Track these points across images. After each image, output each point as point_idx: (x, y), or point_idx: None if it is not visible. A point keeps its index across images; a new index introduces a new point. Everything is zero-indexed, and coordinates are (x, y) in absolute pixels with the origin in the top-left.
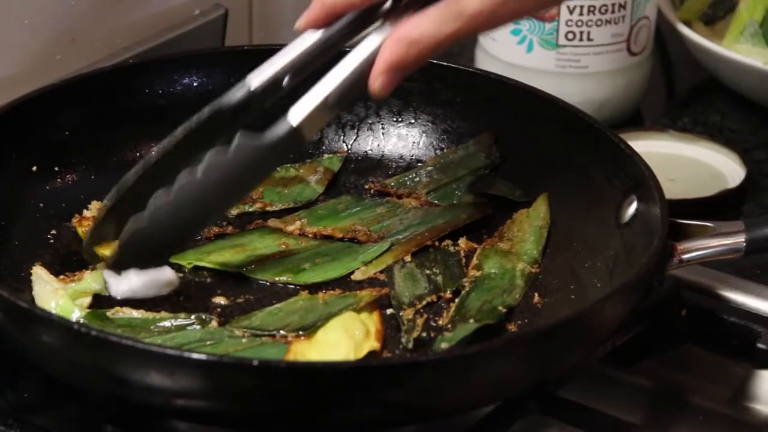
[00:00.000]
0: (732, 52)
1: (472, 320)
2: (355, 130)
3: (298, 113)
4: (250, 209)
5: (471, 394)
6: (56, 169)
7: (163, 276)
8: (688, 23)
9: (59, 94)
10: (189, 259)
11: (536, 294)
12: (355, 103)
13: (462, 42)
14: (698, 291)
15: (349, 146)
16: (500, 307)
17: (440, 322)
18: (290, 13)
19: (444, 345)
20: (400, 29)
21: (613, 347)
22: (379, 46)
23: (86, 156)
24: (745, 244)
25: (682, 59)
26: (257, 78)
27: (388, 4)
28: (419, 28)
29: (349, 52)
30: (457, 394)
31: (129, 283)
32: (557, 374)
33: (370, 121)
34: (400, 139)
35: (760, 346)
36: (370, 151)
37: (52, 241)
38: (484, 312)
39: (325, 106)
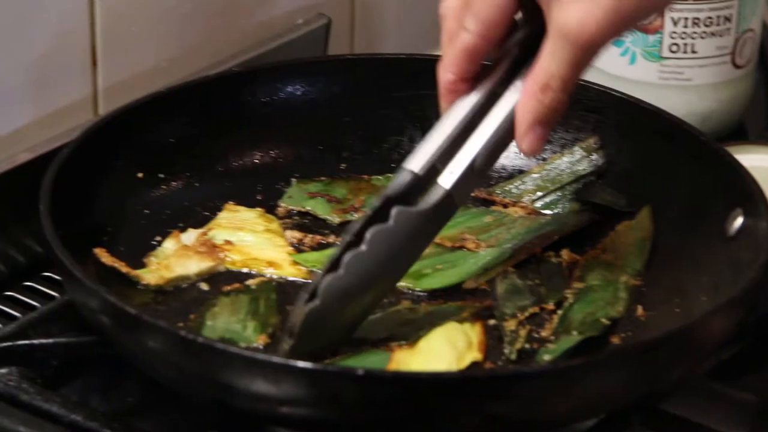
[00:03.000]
0: None
1: (575, 332)
2: None
3: (448, 178)
4: (352, 218)
5: (574, 407)
6: (161, 176)
7: None
8: None
9: (165, 101)
10: (313, 262)
11: (640, 307)
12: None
13: None
14: None
15: None
16: (603, 320)
17: (543, 334)
18: (392, 21)
19: (547, 357)
20: (527, 83)
21: (718, 362)
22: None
23: (191, 163)
24: None
25: None
26: (417, 161)
27: (515, 52)
28: (542, 72)
29: (489, 110)
30: (561, 407)
31: None
32: (661, 388)
33: None
34: None
35: None
36: None
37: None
38: (588, 324)
39: (473, 168)
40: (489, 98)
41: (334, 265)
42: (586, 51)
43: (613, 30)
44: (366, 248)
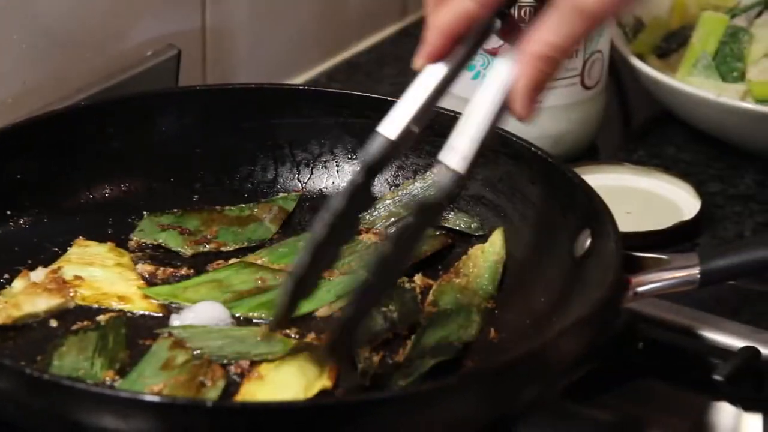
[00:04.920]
0: (685, 85)
1: (428, 357)
2: (310, 168)
3: (460, 161)
4: (205, 249)
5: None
6: (8, 213)
7: (218, 313)
8: (641, 57)
9: (10, 137)
10: (164, 296)
11: (493, 329)
12: None
13: None
14: (654, 323)
15: (304, 184)
16: (456, 343)
17: (397, 359)
18: (244, 52)
19: (401, 382)
20: (526, 48)
21: (571, 381)
22: (510, 70)
23: (39, 199)
24: (699, 276)
25: (637, 92)
26: (392, 127)
27: (498, 24)
28: (543, 40)
29: (480, 85)
30: None
31: (191, 318)
32: (515, 409)
33: (324, 159)
34: None
35: (717, 377)
36: (325, 189)
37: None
38: (441, 348)
39: (481, 147)
40: (462, 62)
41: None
42: (596, 23)
43: (624, 3)
44: (390, 246)
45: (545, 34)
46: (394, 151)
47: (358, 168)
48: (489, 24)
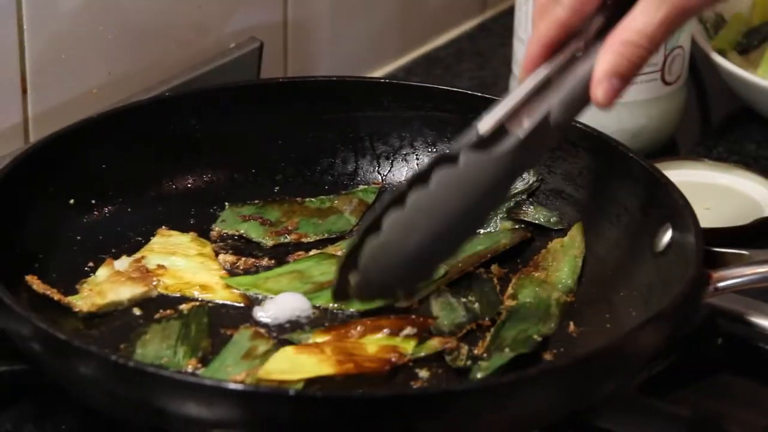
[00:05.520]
0: (766, 81)
1: (507, 349)
2: (390, 161)
3: (522, 127)
4: (286, 240)
5: (507, 424)
6: (93, 202)
7: (300, 304)
8: (722, 52)
9: (96, 127)
10: (246, 286)
11: (572, 323)
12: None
13: (498, 71)
14: (734, 319)
15: (384, 177)
16: (536, 336)
17: (476, 351)
18: (325, 44)
19: (480, 374)
20: (610, 37)
21: (649, 376)
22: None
23: (123, 189)
24: None
25: (717, 88)
26: (485, 122)
27: (598, 24)
28: (627, 27)
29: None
30: (493, 424)
31: (273, 309)
32: (593, 403)
33: (404, 152)
34: None
35: None
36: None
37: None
38: (520, 341)
39: (548, 120)
40: (566, 64)
41: (398, 201)
42: (681, 12)
43: None
44: (432, 188)
45: (630, 21)
46: (482, 144)
47: (437, 155)
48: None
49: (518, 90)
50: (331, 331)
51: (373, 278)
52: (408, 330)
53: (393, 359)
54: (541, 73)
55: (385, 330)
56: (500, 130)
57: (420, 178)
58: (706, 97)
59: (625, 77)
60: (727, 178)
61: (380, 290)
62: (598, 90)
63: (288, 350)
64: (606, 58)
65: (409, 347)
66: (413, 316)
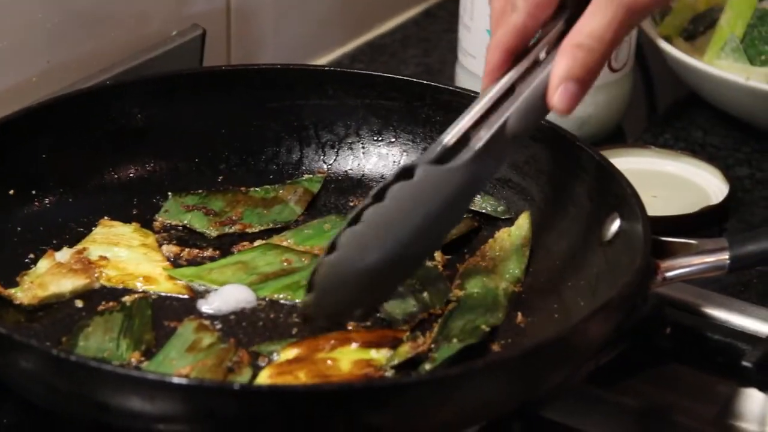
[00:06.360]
0: (713, 68)
1: (455, 340)
2: (335, 150)
3: (478, 139)
4: (230, 230)
5: (454, 416)
6: (33, 192)
7: (245, 295)
8: (668, 39)
9: (35, 117)
10: (190, 277)
11: (519, 313)
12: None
13: (444, 58)
14: (682, 308)
15: (329, 166)
16: (483, 327)
17: (424, 342)
18: (269, 31)
19: (427, 366)
20: (566, 39)
21: (596, 366)
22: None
23: (64, 179)
24: (728, 262)
25: (663, 75)
26: (450, 134)
27: (560, 29)
28: (579, 30)
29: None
30: (440, 416)
31: (217, 301)
32: (541, 394)
33: (349, 141)
34: (381, 159)
35: (745, 363)
36: (351, 171)
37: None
38: (468, 332)
39: (505, 130)
40: (526, 71)
41: (355, 220)
42: (631, 13)
43: None
44: (387, 202)
45: (582, 24)
46: (447, 156)
47: (397, 169)
48: (550, 24)
49: (482, 99)
50: (301, 345)
51: (327, 298)
52: (383, 351)
53: (368, 374)
54: (504, 80)
55: (355, 343)
56: (463, 142)
57: (378, 195)
58: (652, 84)
59: (581, 81)
60: (675, 166)
61: (335, 309)
62: (555, 96)
63: (263, 376)
64: (560, 63)
65: (383, 359)
66: (383, 330)
